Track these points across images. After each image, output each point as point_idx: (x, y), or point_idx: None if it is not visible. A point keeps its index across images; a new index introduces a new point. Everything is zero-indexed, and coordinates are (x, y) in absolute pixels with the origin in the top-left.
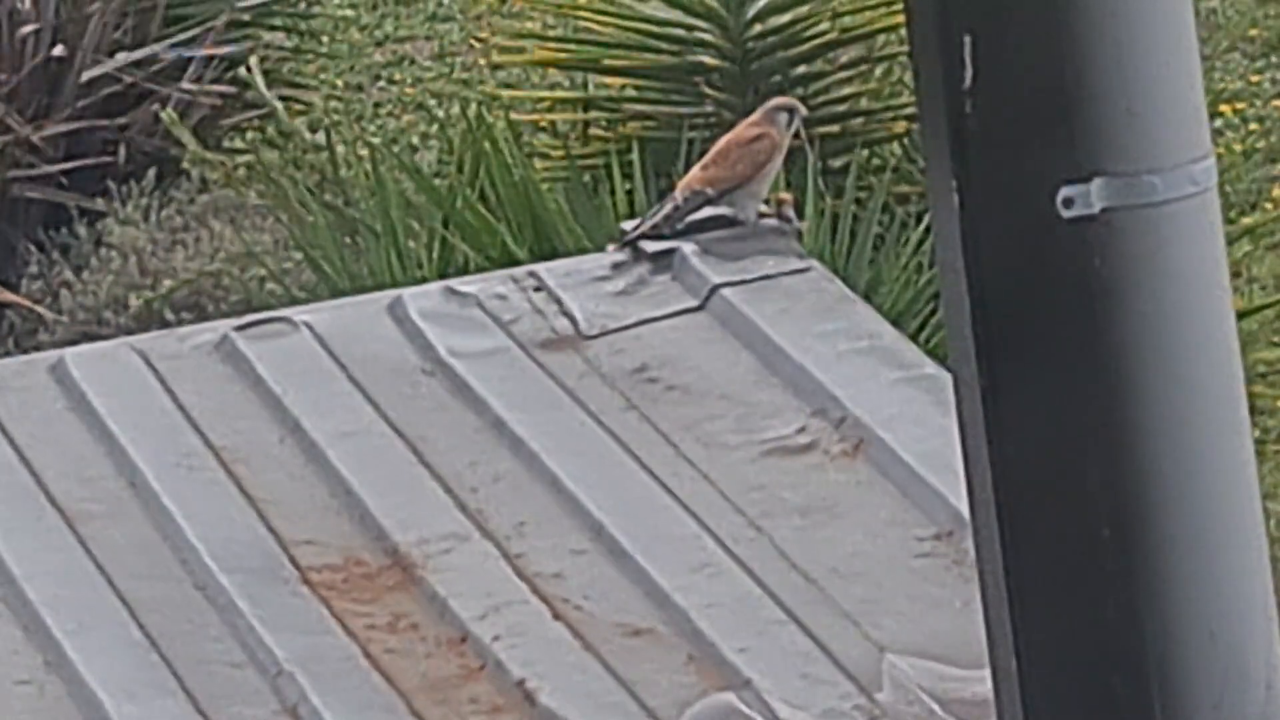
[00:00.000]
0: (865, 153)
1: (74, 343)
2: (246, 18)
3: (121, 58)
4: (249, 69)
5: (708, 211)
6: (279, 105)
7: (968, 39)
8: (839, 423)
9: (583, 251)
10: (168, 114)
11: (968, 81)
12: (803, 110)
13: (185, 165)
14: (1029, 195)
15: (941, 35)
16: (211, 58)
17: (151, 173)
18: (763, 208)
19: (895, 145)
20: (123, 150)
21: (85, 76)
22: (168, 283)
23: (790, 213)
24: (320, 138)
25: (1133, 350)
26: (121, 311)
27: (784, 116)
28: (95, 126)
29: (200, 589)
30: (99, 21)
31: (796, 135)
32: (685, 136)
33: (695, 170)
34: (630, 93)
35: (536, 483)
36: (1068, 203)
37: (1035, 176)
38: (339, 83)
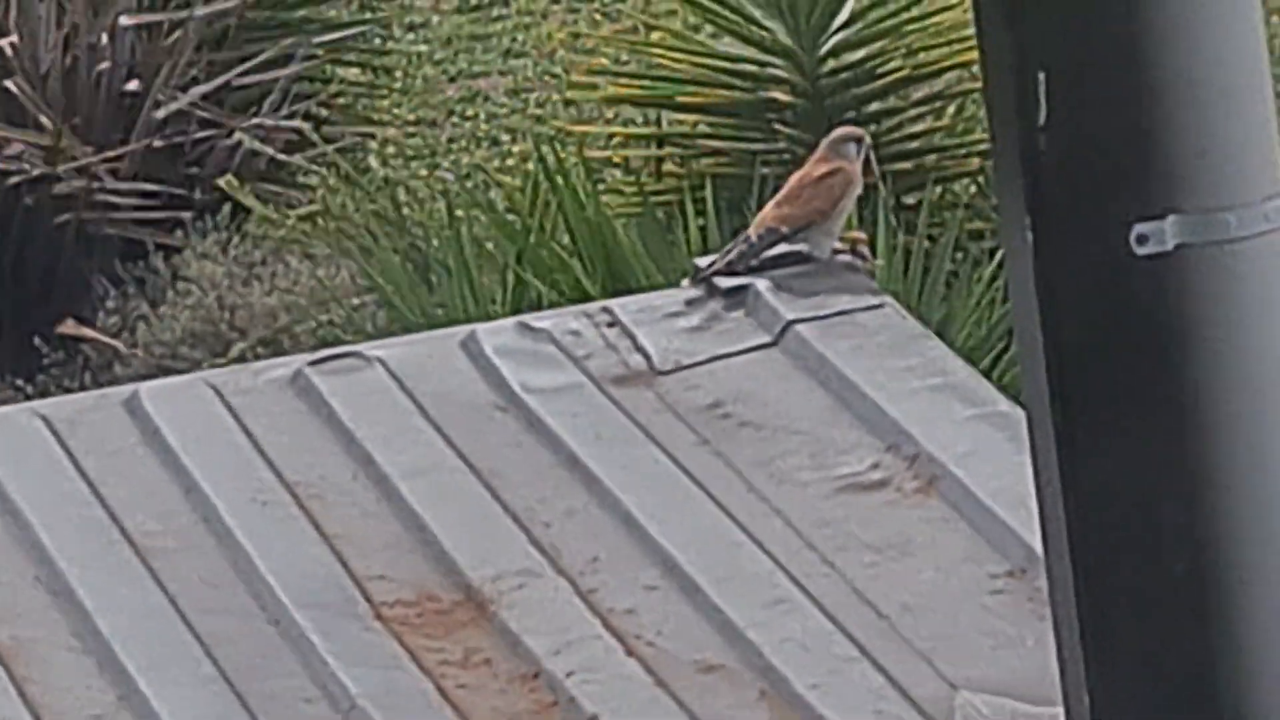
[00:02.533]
0: (938, 189)
1: (149, 377)
2: (320, 53)
3: (194, 92)
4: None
5: (782, 248)
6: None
7: (1042, 76)
8: (912, 459)
9: (655, 287)
10: (228, 181)
11: (1042, 119)
12: (867, 139)
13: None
14: (1103, 232)
15: (1016, 72)
16: (286, 94)
17: (227, 208)
18: (837, 244)
19: (968, 182)
20: (198, 187)
21: (160, 113)
22: (244, 318)
23: (865, 250)
24: (394, 172)
25: (1208, 388)
26: (197, 345)
27: (853, 148)
28: (170, 162)
29: (273, 624)
30: (173, 57)
31: (868, 169)
32: (758, 173)
33: (769, 208)
34: (703, 129)
35: (609, 518)
36: (1142, 240)
37: (1109, 214)
38: (412, 118)
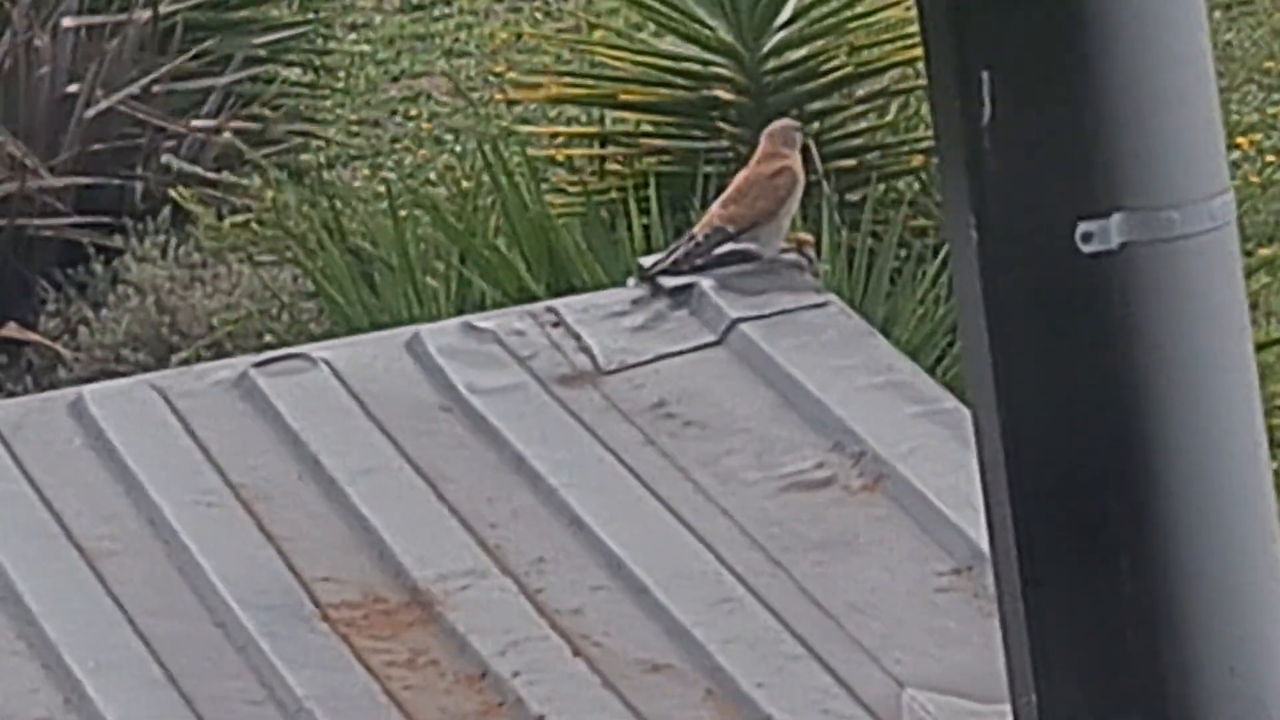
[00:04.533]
0: (882, 187)
1: (92, 380)
2: (263, 53)
3: (126, 92)
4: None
5: (728, 247)
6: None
7: (986, 75)
8: (857, 458)
9: (599, 287)
10: (172, 183)
11: (986, 118)
12: (802, 131)
13: (196, 218)
14: (1048, 230)
15: (960, 71)
16: (228, 95)
17: (167, 210)
18: (783, 244)
19: (912, 179)
20: (139, 188)
21: (92, 112)
22: (185, 322)
23: (811, 254)
24: (336, 173)
25: (1152, 384)
26: (140, 349)
27: (796, 136)
28: (109, 163)
29: (219, 626)
30: (112, 58)
31: (807, 162)
32: (701, 171)
33: (716, 207)
34: (646, 127)
35: (555, 519)
36: (1087, 238)
37: (1054, 212)
38: (355, 118)
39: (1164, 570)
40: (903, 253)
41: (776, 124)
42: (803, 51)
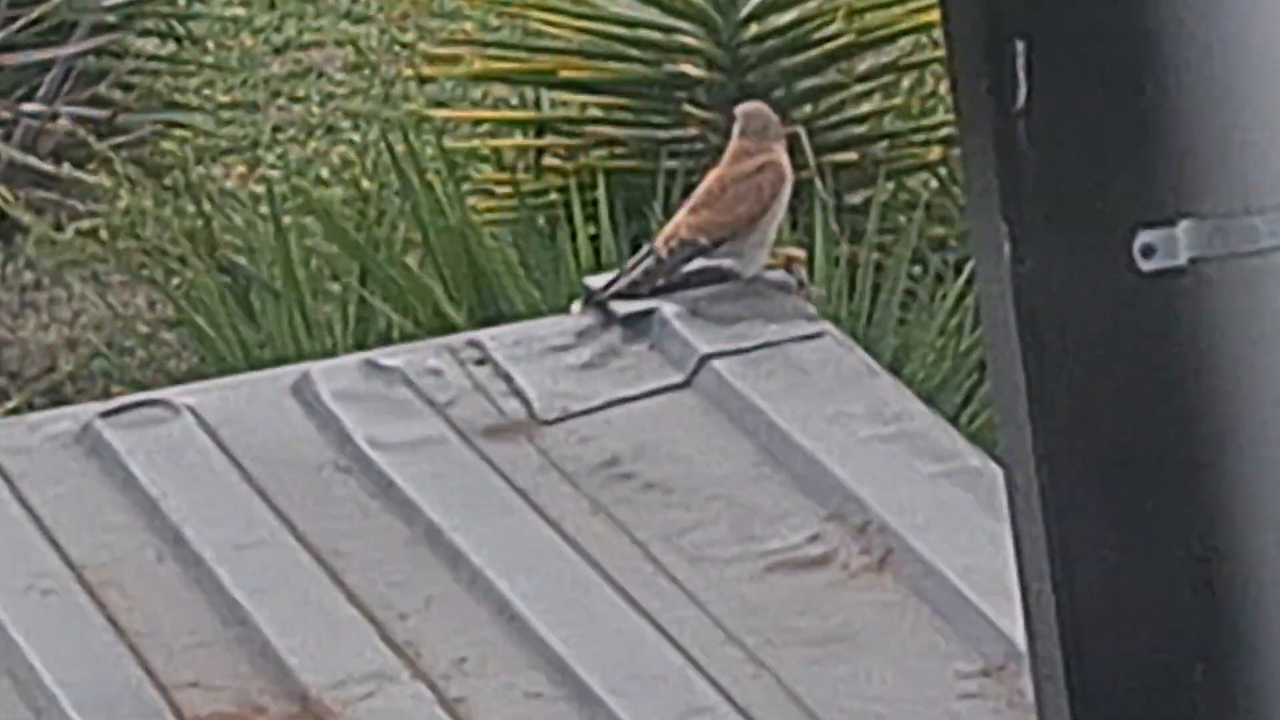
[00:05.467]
0: (890, 186)
1: None
2: (112, 19)
3: None
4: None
5: (698, 264)
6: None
7: (1020, 46)
8: (861, 529)
9: (536, 314)
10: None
11: (1021, 100)
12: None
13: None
14: (1099, 243)
15: (987, 41)
16: (68, 71)
17: None
18: (768, 259)
19: (928, 176)
20: None
21: None
22: (14, 355)
23: (802, 272)
24: (204, 171)
25: (1231, 436)
26: None
27: (777, 123)
28: None
29: None
30: None
31: (799, 161)
32: (664, 167)
33: (682, 213)
34: (594, 112)
35: (481, 608)
36: (1147, 251)
37: (1107, 220)
38: (227, 100)
39: (1248, 675)
40: (917, 270)
41: (751, 106)
42: (790, 15)
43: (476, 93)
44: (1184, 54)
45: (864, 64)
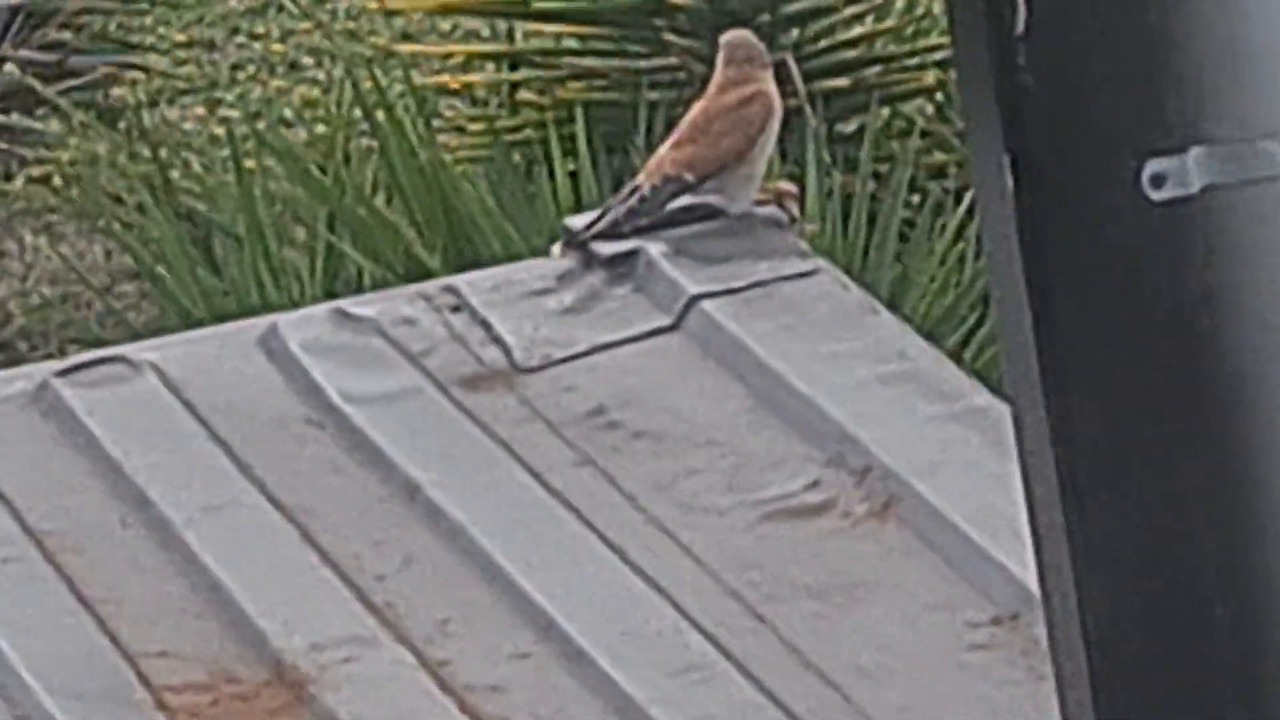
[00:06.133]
0: (885, 112)
1: None
2: None
3: None
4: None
5: (684, 200)
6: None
7: None
8: (862, 474)
9: (514, 257)
10: None
11: (1021, 24)
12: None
13: None
14: (1106, 171)
15: None
16: (14, 12)
17: None
18: (758, 195)
19: (923, 101)
20: None
21: None
22: None
23: (794, 209)
24: (161, 114)
25: (1249, 372)
26: None
27: (761, 53)
28: None
29: None
30: None
31: (788, 89)
32: (645, 98)
33: (666, 148)
34: (569, 43)
35: (463, 566)
36: (1158, 181)
37: (1114, 146)
38: (183, 39)
39: (1270, 614)
40: (914, 199)
41: (736, 35)
42: None
43: (445, 25)
44: None
45: None
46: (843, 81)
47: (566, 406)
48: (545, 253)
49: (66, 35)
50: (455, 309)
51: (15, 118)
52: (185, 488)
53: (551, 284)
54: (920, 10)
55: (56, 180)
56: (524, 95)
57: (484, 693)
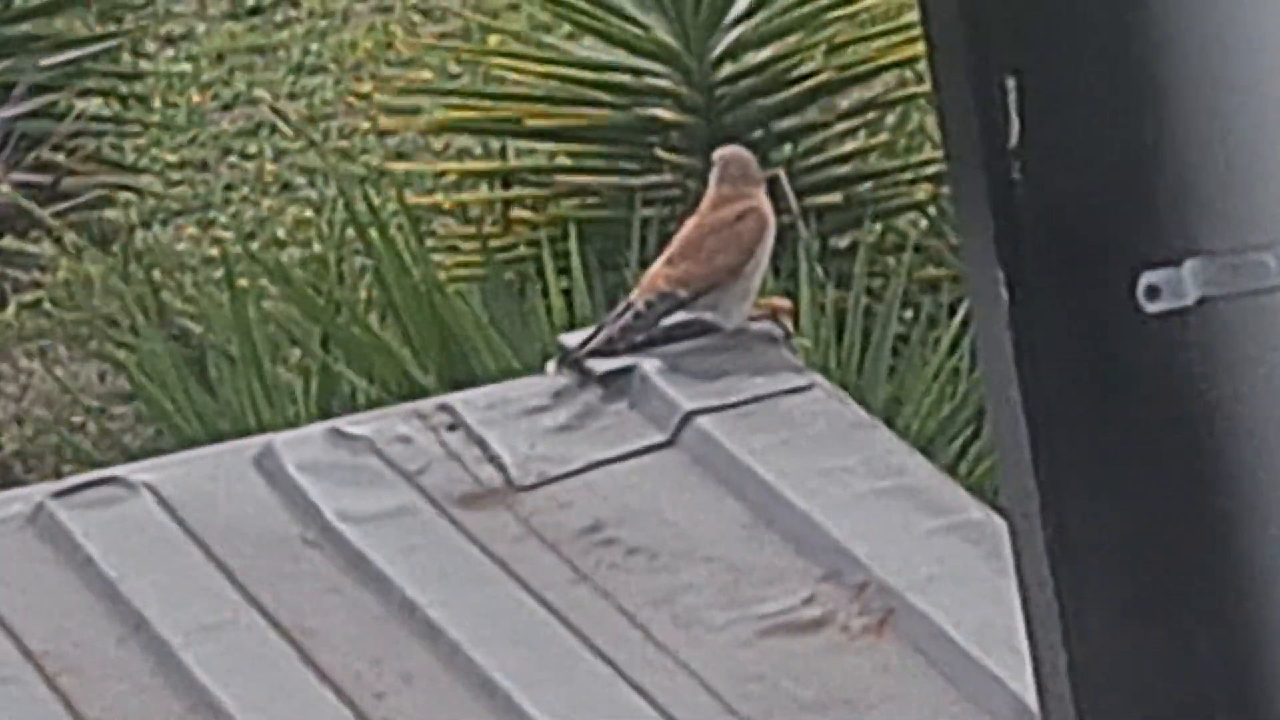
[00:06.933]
0: (878, 228)
1: None
2: (53, 79)
3: None
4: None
5: (679, 317)
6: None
7: (1011, 82)
8: (859, 589)
9: (509, 375)
10: None
11: (1014, 138)
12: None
13: None
14: (1101, 284)
15: (977, 76)
16: (8, 134)
17: None
18: (751, 311)
19: (917, 216)
20: None
21: None
22: None
23: (788, 324)
24: (154, 234)
25: (1246, 483)
26: None
27: (756, 167)
28: None
29: None
30: None
31: (780, 206)
32: (638, 215)
33: (659, 265)
34: (563, 161)
35: (461, 684)
36: (1152, 292)
37: (1108, 259)
38: (176, 160)
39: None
40: (909, 314)
41: (729, 151)
42: (766, 53)
43: (438, 144)
44: (1184, 83)
45: (846, 101)
46: (835, 197)
47: (563, 524)
48: (540, 370)
49: (59, 157)
50: (451, 427)
51: (8, 240)
52: (183, 608)
53: (547, 401)
54: (912, 125)
55: (48, 305)
56: (517, 213)
57: None
